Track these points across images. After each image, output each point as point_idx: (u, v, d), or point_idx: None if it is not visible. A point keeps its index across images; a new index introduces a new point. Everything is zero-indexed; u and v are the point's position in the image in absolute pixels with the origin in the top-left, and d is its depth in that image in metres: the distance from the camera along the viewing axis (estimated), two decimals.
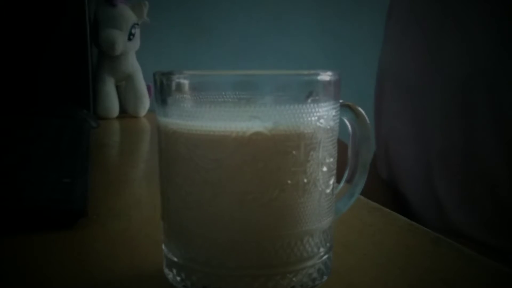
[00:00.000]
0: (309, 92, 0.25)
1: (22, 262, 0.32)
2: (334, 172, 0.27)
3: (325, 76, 0.25)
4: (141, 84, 1.13)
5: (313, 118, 0.24)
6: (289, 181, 0.24)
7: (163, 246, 0.27)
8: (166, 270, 0.27)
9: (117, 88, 1.13)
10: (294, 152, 0.24)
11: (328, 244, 0.27)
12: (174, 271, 0.26)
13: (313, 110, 0.24)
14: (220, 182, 0.24)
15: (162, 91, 0.25)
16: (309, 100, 0.24)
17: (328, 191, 0.26)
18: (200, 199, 0.24)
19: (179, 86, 0.25)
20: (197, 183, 0.24)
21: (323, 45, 1.40)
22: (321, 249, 0.26)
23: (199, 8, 1.31)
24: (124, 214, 0.45)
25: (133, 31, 1.09)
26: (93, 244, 0.37)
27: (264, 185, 0.24)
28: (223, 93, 0.24)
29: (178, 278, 0.26)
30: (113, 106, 1.10)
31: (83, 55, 1.01)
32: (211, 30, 1.33)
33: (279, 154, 0.24)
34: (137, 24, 1.11)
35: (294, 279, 0.25)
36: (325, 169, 0.25)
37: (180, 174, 0.25)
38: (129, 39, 1.09)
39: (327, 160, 0.26)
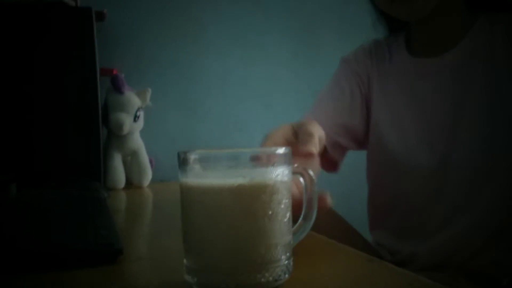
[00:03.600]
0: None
1: None
2: (290, 208, 0.43)
3: (281, 150, 0.43)
4: (145, 158, 1.30)
5: (273, 175, 0.41)
6: (260, 213, 0.41)
7: (184, 260, 0.43)
8: (185, 276, 0.43)
9: (124, 162, 1.29)
10: (263, 195, 0.41)
11: (288, 254, 0.43)
12: (191, 274, 0.42)
13: (273, 171, 0.42)
14: (219, 214, 0.40)
15: (183, 162, 0.42)
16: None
17: (285, 220, 0.42)
18: (206, 226, 0.41)
19: (193, 159, 0.42)
20: (204, 217, 0.41)
21: None
22: (283, 256, 0.42)
23: (193, 92, 1.52)
24: (147, 255, 0.61)
25: (138, 113, 1.28)
26: (131, 273, 0.52)
27: (246, 216, 0.40)
28: (220, 162, 0.41)
29: (195, 279, 0.42)
30: (121, 178, 1.26)
31: (95, 136, 1.18)
32: (204, 109, 1.53)
33: (254, 197, 0.40)
34: (142, 108, 1.30)
35: (266, 274, 0.41)
36: (282, 206, 0.42)
37: (194, 212, 0.41)
38: (135, 121, 1.27)
39: (284, 201, 0.42)
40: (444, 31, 0.85)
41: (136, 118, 1.27)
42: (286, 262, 0.43)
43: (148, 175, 1.30)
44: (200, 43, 1.52)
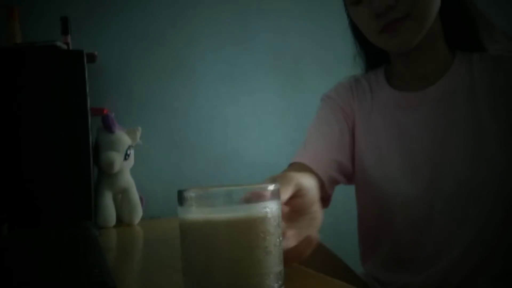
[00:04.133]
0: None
1: None
2: (281, 240, 0.46)
3: (271, 187, 0.46)
4: (135, 196, 1.31)
5: (265, 210, 0.44)
6: (254, 245, 0.43)
7: None
8: None
9: (114, 200, 1.30)
10: (256, 228, 0.44)
11: (280, 282, 0.45)
12: None
13: (265, 205, 0.44)
14: (216, 247, 0.43)
15: (181, 198, 0.45)
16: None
17: (276, 250, 0.45)
18: (205, 259, 0.43)
19: (191, 196, 0.45)
20: (203, 250, 0.43)
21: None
22: (275, 285, 0.44)
23: (182, 130, 1.55)
24: None
25: (128, 152, 1.30)
26: None
27: (242, 247, 0.43)
28: (216, 198, 0.44)
29: None
30: (111, 216, 1.26)
31: (86, 174, 1.19)
32: (193, 147, 1.56)
33: (248, 230, 0.43)
34: (132, 146, 1.32)
35: None
36: (274, 238, 0.45)
37: (193, 245, 0.44)
38: (125, 159, 1.29)
39: (274, 233, 0.45)
40: (427, 66, 0.89)
41: (126, 156, 1.29)
42: None
43: (139, 213, 1.31)
44: (188, 83, 1.56)
